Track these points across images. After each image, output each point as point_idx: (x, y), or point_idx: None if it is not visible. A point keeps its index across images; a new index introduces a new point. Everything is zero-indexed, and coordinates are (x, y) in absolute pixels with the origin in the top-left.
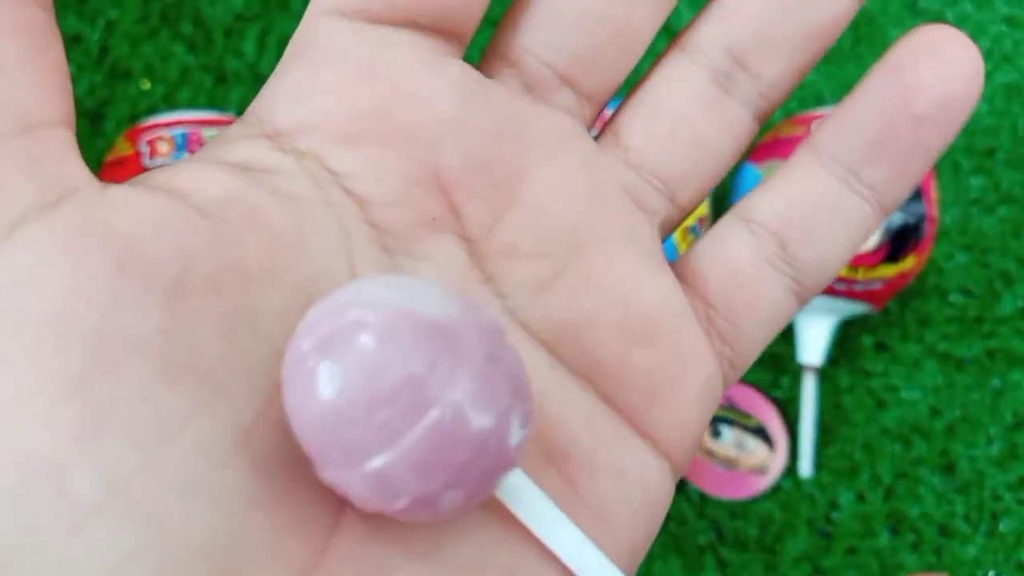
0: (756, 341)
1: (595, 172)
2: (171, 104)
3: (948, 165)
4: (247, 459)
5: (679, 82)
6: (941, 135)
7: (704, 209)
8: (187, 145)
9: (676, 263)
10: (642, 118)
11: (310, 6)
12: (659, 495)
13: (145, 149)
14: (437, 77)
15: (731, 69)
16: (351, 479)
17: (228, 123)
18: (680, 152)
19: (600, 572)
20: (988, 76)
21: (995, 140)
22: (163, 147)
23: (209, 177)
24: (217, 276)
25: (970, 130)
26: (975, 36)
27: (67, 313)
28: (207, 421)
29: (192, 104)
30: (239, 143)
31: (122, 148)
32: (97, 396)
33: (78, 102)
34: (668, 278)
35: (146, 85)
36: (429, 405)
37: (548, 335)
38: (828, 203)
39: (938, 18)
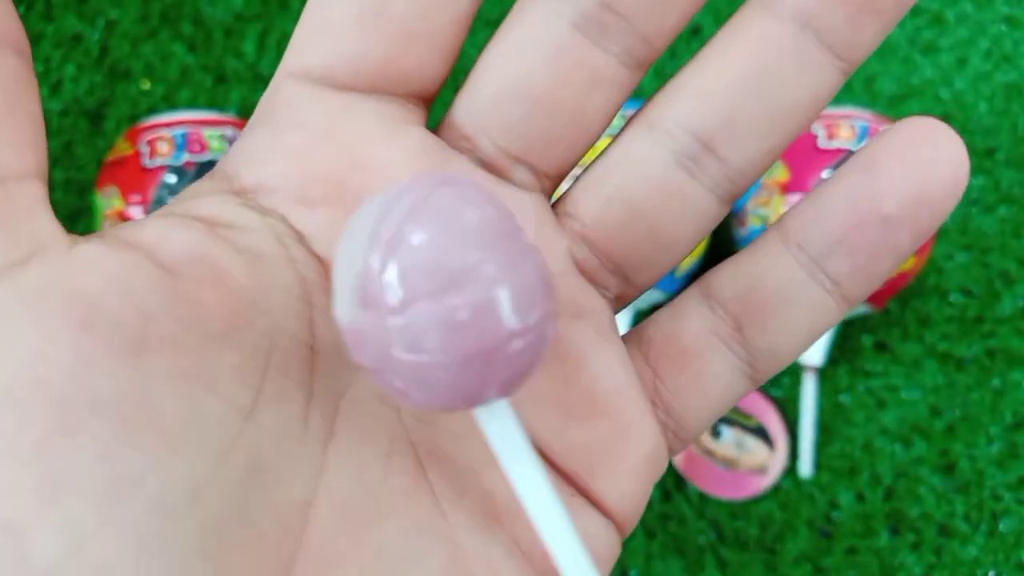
0: (701, 417)
1: (547, 248)
2: (171, 104)
3: None
4: (201, 514)
5: (640, 164)
6: (912, 235)
7: None
8: (187, 145)
9: (633, 330)
10: (599, 197)
11: (279, 69)
12: (604, 554)
13: (145, 149)
14: (394, 145)
15: (698, 153)
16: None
17: (228, 123)
18: (634, 241)
19: (553, 516)
20: (988, 76)
21: (995, 140)
22: (163, 147)
23: (174, 233)
24: (176, 335)
25: (970, 130)
26: (975, 36)
27: (32, 377)
28: (163, 477)
29: (192, 104)
30: (208, 198)
31: (122, 148)
32: (58, 458)
33: (78, 102)
34: (617, 354)
35: (146, 85)
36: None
37: None
38: (789, 291)
39: (938, 19)
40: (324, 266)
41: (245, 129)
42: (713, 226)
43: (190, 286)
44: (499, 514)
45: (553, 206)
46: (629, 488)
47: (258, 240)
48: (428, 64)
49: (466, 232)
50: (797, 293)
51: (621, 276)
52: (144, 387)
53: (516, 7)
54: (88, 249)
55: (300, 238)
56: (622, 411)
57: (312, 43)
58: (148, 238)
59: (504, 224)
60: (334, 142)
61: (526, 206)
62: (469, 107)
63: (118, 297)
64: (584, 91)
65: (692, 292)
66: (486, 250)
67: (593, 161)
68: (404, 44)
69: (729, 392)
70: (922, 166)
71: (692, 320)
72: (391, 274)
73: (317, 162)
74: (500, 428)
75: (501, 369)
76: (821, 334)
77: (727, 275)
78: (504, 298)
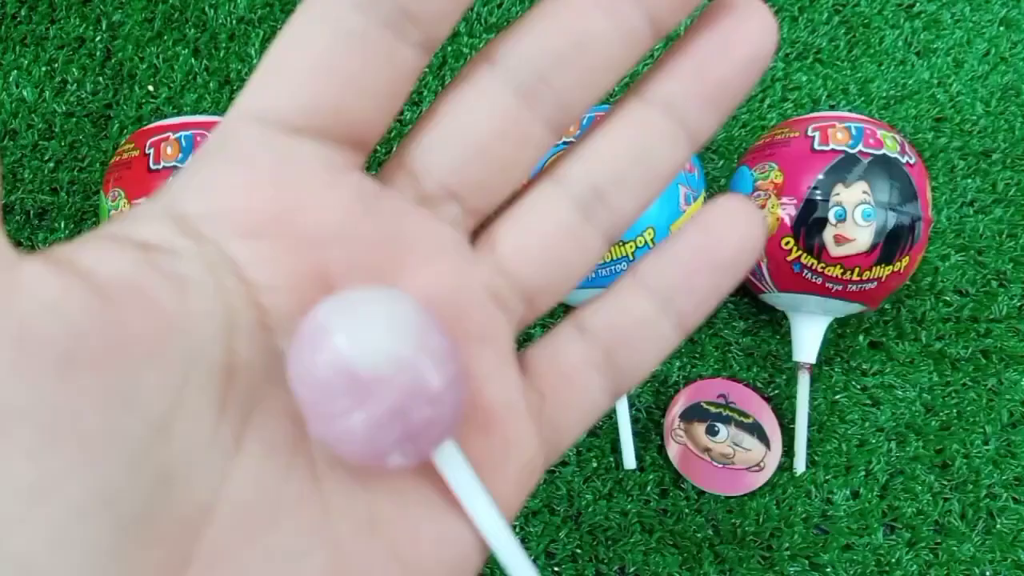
0: (574, 430)
1: (464, 279)
2: (176, 107)
3: (944, 166)
4: (111, 517)
5: (550, 207)
6: (732, 278)
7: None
8: (193, 148)
9: (520, 356)
10: (516, 234)
11: (232, 109)
12: (475, 561)
13: (151, 151)
14: (335, 189)
15: (592, 202)
16: (328, 432)
17: None
18: (543, 270)
19: (504, 538)
20: (984, 77)
21: (992, 141)
22: (169, 149)
23: (110, 257)
24: (102, 354)
25: (966, 131)
26: (972, 37)
27: None
28: (80, 482)
29: (197, 107)
30: (149, 222)
31: (128, 150)
32: None
33: (83, 104)
34: (512, 375)
35: (151, 88)
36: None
37: None
38: (645, 323)
39: (935, 20)
40: (251, 290)
41: (192, 159)
42: (598, 261)
43: (119, 310)
44: (382, 523)
45: (477, 239)
46: (509, 496)
47: (189, 267)
48: (372, 115)
49: (382, 334)
50: (651, 325)
51: (527, 302)
52: (68, 401)
53: (467, 70)
54: (30, 270)
55: (234, 266)
56: (511, 426)
57: (268, 87)
58: (86, 262)
59: (414, 317)
60: (278, 181)
61: (451, 241)
62: (419, 148)
63: (50, 318)
64: (517, 146)
65: (566, 325)
66: (401, 345)
67: (510, 205)
68: (353, 96)
69: (598, 409)
70: (739, 229)
71: (569, 349)
72: (335, 384)
73: (260, 198)
74: (452, 466)
75: (432, 429)
76: (664, 359)
77: (596, 311)
78: (421, 381)
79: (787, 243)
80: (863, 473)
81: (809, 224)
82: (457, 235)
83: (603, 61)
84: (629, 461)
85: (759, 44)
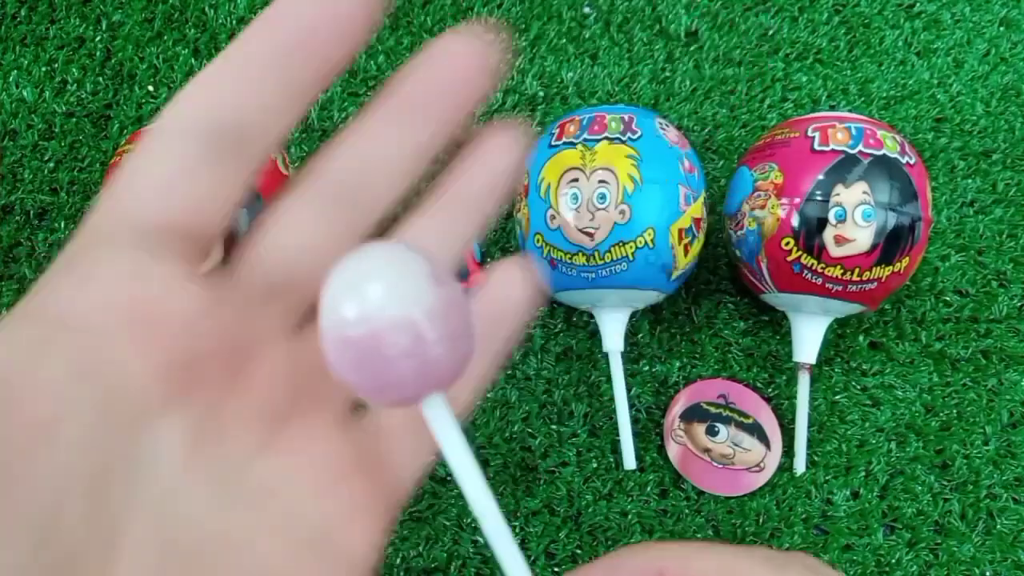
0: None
1: (300, 367)
2: None
3: (944, 166)
4: None
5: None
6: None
7: (700, 211)
8: None
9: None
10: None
11: (98, 210)
12: (368, 539)
13: None
14: (185, 287)
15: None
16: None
17: None
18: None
19: (479, 489)
20: (985, 77)
21: (992, 142)
22: None
23: None
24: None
25: (966, 131)
26: (972, 38)
27: None
28: None
29: None
30: (18, 323)
31: (128, 151)
32: None
33: (83, 104)
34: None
35: (151, 88)
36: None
37: None
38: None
39: (935, 20)
40: (126, 382)
41: (59, 261)
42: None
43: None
44: (274, 496)
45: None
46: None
47: (59, 367)
48: (217, 217)
49: (386, 275)
50: None
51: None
52: None
53: (294, 182)
54: None
55: (105, 358)
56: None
57: (127, 196)
58: None
59: (421, 267)
60: (136, 280)
61: (284, 331)
62: (261, 246)
63: None
64: (328, 247)
65: None
66: (399, 286)
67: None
68: (198, 209)
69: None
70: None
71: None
72: (346, 308)
73: (120, 297)
74: (438, 417)
75: (430, 374)
76: None
77: None
78: (417, 320)
79: (787, 243)
80: (863, 473)
81: (809, 224)
82: (288, 324)
83: (397, 171)
84: (629, 461)
85: (507, 156)
